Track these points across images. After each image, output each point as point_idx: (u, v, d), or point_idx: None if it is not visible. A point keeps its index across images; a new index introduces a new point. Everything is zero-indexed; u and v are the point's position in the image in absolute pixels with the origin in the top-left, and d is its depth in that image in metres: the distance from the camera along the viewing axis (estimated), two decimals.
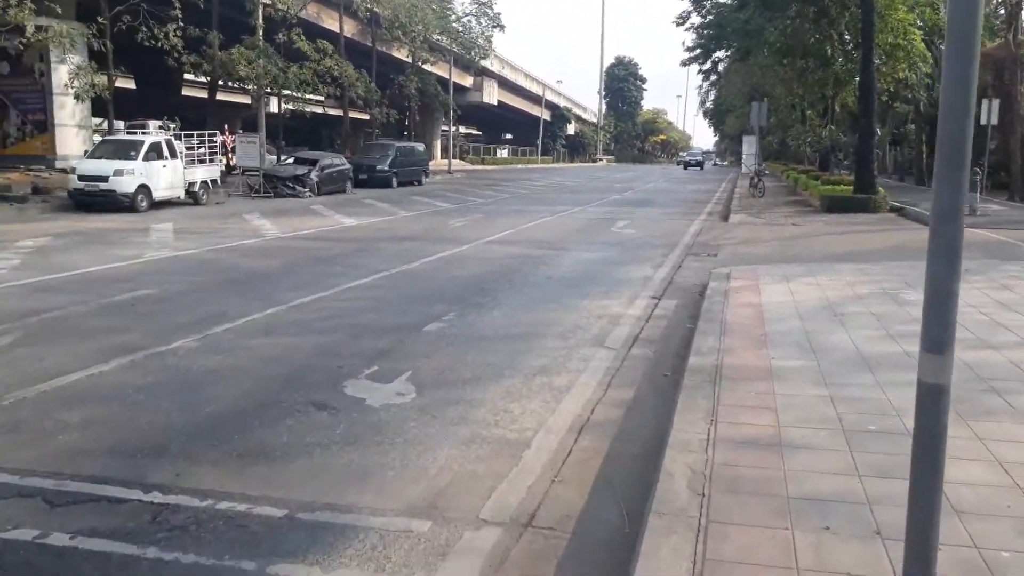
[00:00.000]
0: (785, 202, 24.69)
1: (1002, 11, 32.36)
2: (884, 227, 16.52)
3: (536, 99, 78.21)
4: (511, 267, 11.43)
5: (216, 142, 22.88)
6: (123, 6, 21.17)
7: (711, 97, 65.39)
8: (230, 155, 29.98)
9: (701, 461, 3.77)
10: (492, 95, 62.22)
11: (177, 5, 21.29)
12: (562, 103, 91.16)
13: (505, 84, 66.29)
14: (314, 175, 25.82)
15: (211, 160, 22.53)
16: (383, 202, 23.97)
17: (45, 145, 25.32)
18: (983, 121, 25.33)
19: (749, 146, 38.84)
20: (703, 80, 42.21)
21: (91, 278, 9.85)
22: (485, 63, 57.15)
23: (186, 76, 33.74)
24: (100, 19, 20.88)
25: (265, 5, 26.94)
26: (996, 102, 25.07)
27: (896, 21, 24.84)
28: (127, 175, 18.49)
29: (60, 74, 24.00)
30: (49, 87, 24.38)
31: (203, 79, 30.63)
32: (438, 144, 61.43)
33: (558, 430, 4.80)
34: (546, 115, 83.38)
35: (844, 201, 19.72)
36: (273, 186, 25.11)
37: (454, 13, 43.71)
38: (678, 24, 30.17)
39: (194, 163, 21.58)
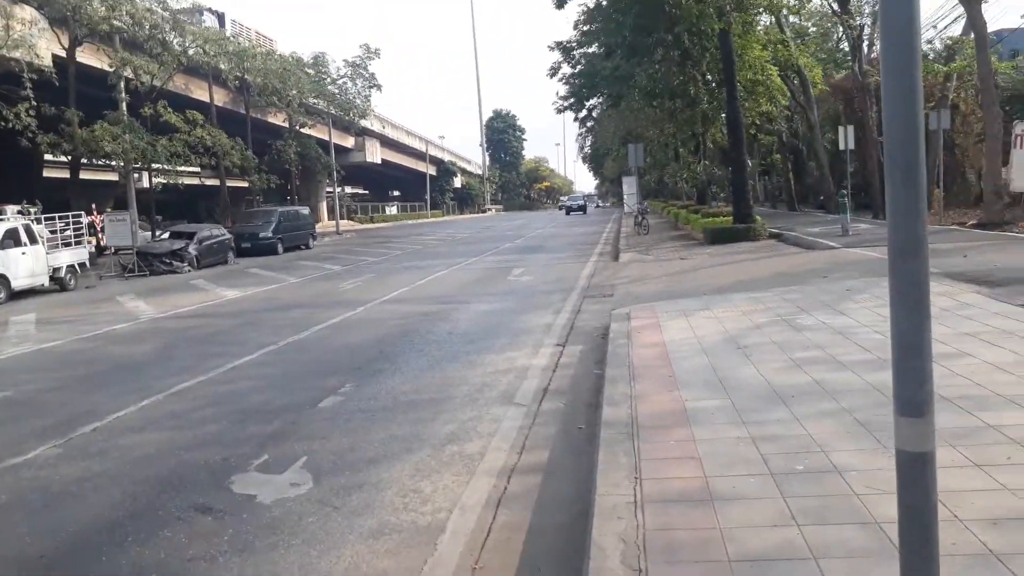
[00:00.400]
0: (670, 237, 25.40)
1: (845, 45, 34.96)
2: (766, 254, 17.13)
3: (420, 155, 78.52)
4: (410, 327, 11.01)
5: (82, 223, 21.41)
6: None
7: (588, 143, 67.68)
8: (100, 235, 28.25)
9: (632, 528, 3.47)
10: (375, 154, 61.92)
11: (28, 84, 19.97)
12: (446, 157, 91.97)
13: (387, 142, 66.22)
14: (192, 248, 24.60)
15: (77, 243, 21.03)
16: (268, 270, 23.05)
17: None
18: (841, 146, 27.09)
19: (629, 186, 40.08)
20: (580, 127, 43.43)
21: None
22: (365, 123, 56.94)
23: (48, 157, 31.63)
24: None
25: (128, 79, 25.76)
26: (851, 128, 26.86)
27: (753, 59, 26.37)
28: None
29: None
30: None
31: (65, 159, 28.86)
32: (323, 206, 60.40)
33: (474, 507, 4.42)
34: (431, 170, 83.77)
35: (725, 232, 20.41)
36: (148, 264, 23.73)
37: (329, 76, 43.32)
38: (551, 75, 30.99)
39: (58, 247, 20.09)
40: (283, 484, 4.95)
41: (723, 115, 27.80)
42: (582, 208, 75.29)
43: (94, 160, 26.82)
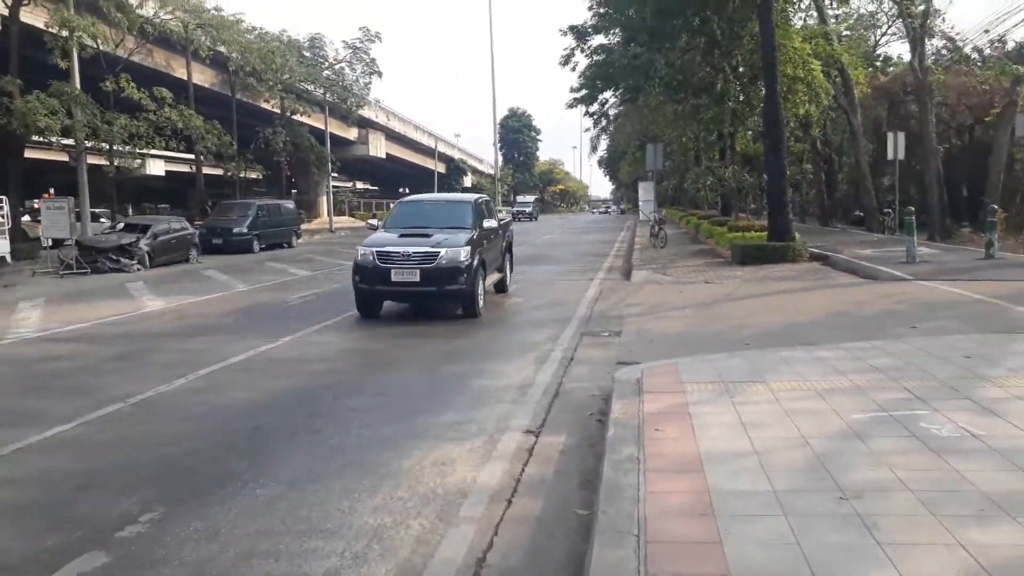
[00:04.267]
0: (690, 252, 22.11)
1: (886, 49, 31.52)
2: (814, 282, 13.79)
3: (429, 152, 75.37)
4: (326, 380, 7.80)
5: (3, 211, 18.33)
6: None
7: (603, 144, 64.34)
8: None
9: None
10: (379, 148, 58.73)
11: None
12: (457, 155, 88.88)
13: (393, 136, 63.04)
14: (144, 244, 21.46)
15: None
16: (225, 273, 19.90)
17: None
18: (889, 156, 23.76)
19: (646, 192, 36.64)
20: (593, 125, 39.93)
21: None
22: (370, 114, 53.82)
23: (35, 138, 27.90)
24: None
25: (83, 46, 22.64)
26: (902, 135, 23.51)
27: (793, 51, 23.06)
28: None
29: None
30: None
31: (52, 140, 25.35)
32: (323, 200, 57.28)
33: None
34: (440, 168, 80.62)
35: (758, 251, 17.11)
36: (92, 260, 20.62)
37: (326, 59, 40.09)
38: (563, 64, 27.57)
39: None
40: None
41: (755, 115, 24.64)
42: (529, 215, 63.04)
43: (37, 137, 23.45)
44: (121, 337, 10.57)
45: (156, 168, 54.98)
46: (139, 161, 26.72)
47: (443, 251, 10.69)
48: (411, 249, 10.77)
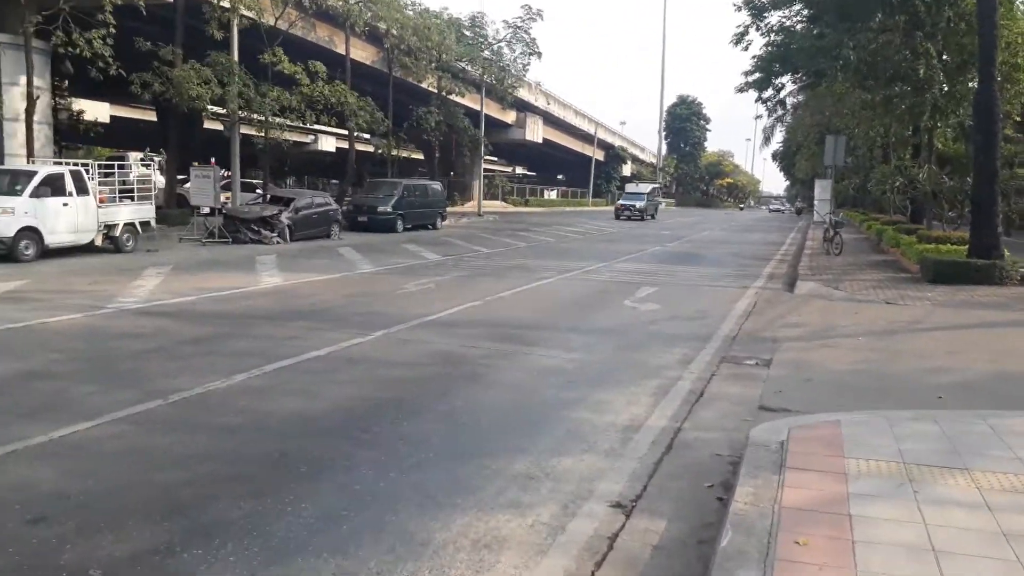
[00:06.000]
0: (869, 263, 19.21)
1: None
2: None
3: (587, 137, 73.63)
4: (397, 390, 6.60)
5: (150, 173, 18.83)
6: (48, 11, 17.51)
7: (778, 135, 59.71)
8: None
9: None
10: (536, 132, 57.84)
11: (108, 8, 17.47)
12: (617, 142, 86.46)
13: (551, 120, 61.92)
14: (285, 217, 21.56)
15: (143, 197, 18.39)
16: (358, 252, 19.47)
17: None
18: None
19: (822, 191, 33.18)
20: (767, 113, 36.58)
21: None
22: (528, 98, 53.04)
23: (210, 108, 28.94)
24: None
25: (241, 18, 23.01)
26: None
27: (1014, 35, 19.46)
28: (3, 215, 14.45)
29: (12, 97, 20.55)
30: None
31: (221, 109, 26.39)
32: (477, 184, 57.29)
33: None
34: (599, 155, 78.72)
35: (956, 268, 14.28)
36: (235, 230, 20.95)
37: (486, 39, 39.35)
38: (735, 43, 25.04)
39: (116, 200, 17.49)
40: None
41: (960, 109, 21.14)
42: None
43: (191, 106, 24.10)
44: (215, 316, 9.95)
45: (327, 144, 57.26)
46: (312, 137, 27.18)
47: None
48: None
